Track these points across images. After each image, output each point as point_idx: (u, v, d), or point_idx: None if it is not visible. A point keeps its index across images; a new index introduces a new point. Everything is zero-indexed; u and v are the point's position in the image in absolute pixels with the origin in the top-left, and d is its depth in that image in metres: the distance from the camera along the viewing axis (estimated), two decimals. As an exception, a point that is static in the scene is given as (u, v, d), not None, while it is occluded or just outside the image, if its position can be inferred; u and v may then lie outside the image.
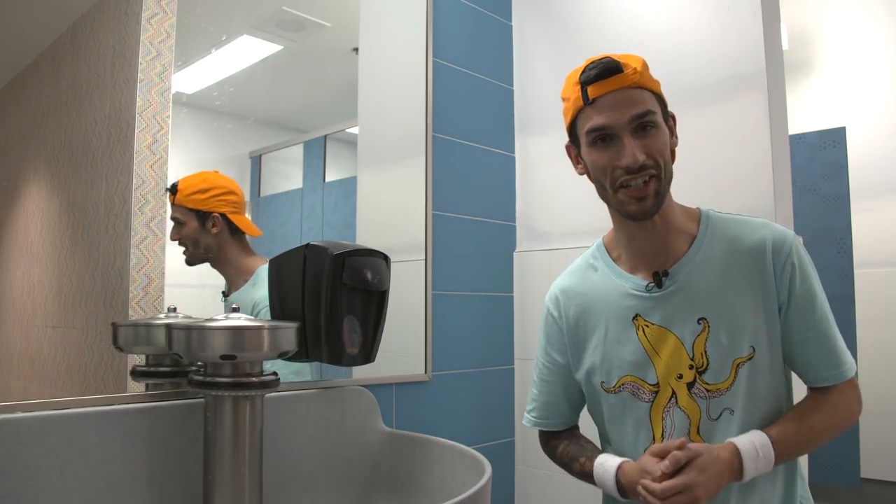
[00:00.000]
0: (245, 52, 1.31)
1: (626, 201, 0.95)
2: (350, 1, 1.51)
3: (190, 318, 1.01)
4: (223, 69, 1.25)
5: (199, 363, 0.99)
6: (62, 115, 1.07)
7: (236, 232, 1.18)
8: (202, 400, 0.95)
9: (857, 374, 0.99)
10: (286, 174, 1.42)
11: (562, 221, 1.72)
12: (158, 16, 1.10)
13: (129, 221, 1.05)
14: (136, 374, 1.03)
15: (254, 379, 0.90)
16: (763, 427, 0.94)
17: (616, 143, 0.93)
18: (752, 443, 0.90)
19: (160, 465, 0.95)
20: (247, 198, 1.25)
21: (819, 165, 2.85)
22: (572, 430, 1.14)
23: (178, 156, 1.11)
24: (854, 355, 1.00)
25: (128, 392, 1.01)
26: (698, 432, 0.97)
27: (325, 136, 1.46)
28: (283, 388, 1.05)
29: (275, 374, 0.93)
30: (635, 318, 1.01)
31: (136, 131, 1.06)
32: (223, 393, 0.89)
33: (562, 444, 1.10)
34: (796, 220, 1.53)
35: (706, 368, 0.96)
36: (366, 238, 1.43)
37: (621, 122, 0.92)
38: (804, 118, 3.10)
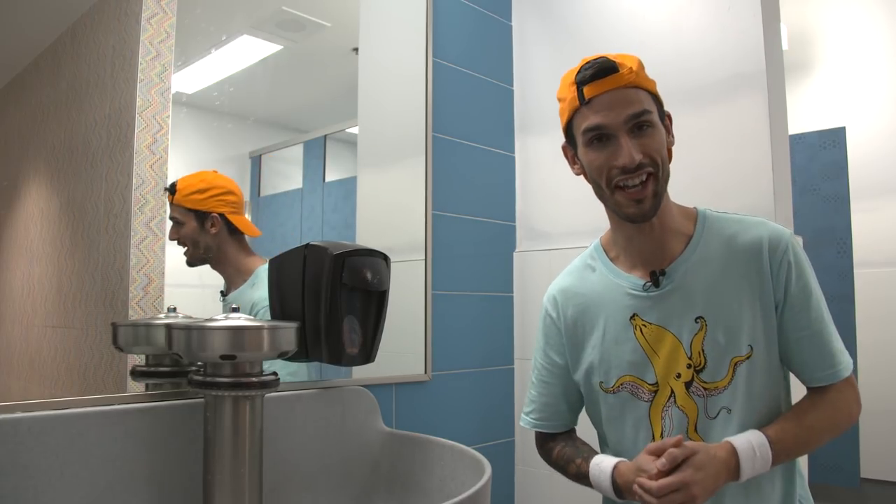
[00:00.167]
0: (245, 52, 1.31)
1: (624, 203, 0.95)
2: (350, 1, 1.51)
3: (190, 318, 1.01)
4: (223, 69, 1.25)
5: (199, 363, 0.99)
6: (62, 115, 1.07)
7: (235, 232, 1.18)
8: (202, 400, 0.95)
9: (856, 374, 0.99)
10: (286, 174, 1.42)
11: (561, 221, 1.72)
12: (158, 16, 1.10)
13: (128, 221, 1.05)
14: (136, 374, 1.03)
15: (254, 379, 0.90)
16: (761, 426, 0.93)
17: (612, 143, 0.94)
18: (750, 442, 0.90)
19: (160, 465, 0.95)
20: (247, 198, 1.25)
21: (819, 165, 2.85)
22: (569, 433, 1.13)
23: (178, 156, 1.11)
24: (854, 355, 1.00)
25: (128, 392, 1.01)
26: (696, 431, 0.97)
27: (325, 136, 1.46)
28: (282, 388, 1.05)
29: (275, 374, 0.93)
30: (633, 317, 1.01)
31: (136, 131, 1.06)
32: (223, 393, 0.89)
33: (558, 446, 1.10)
34: (796, 220, 1.53)
35: (704, 367, 0.96)
36: (366, 238, 1.43)
37: (617, 122, 0.92)
38: (804, 118, 3.10)
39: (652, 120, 0.94)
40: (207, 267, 1.17)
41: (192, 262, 1.15)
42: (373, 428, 1.21)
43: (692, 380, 0.97)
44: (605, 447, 1.08)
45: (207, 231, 1.15)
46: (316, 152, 1.45)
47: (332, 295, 1.03)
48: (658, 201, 0.95)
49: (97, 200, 1.06)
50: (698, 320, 0.97)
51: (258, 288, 1.17)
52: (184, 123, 1.13)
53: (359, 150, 1.51)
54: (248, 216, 1.24)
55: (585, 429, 1.13)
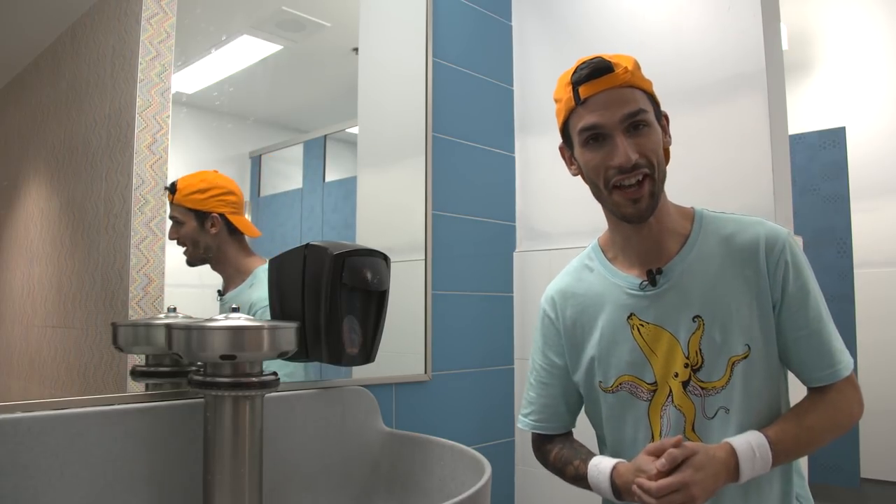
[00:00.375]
0: (245, 52, 1.31)
1: (621, 203, 0.95)
2: (350, 1, 1.51)
3: (190, 318, 1.01)
4: (223, 69, 1.25)
5: (199, 363, 0.99)
6: (62, 115, 1.07)
7: (235, 232, 1.18)
8: (202, 400, 0.95)
9: (856, 374, 0.98)
10: (286, 174, 1.42)
11: (561, 221, 1.72)
12: (158, 16, 1.10)
13: (128, 221, 1.05)
14: (136, 374, 1.03)
15: (254, 379, 0.90)
16: (760, 427, 0.93)
17: (608, 143, 0.94)
18: (749, 443, 0.89)
19: (160, 465, 0.95)
20: (246, 198, 1.24)
21: (819, 165, 2.85)
22: (567, 435, 1.13)
23: (178, 156, 1.11)
24: (854, 355, 1.00)
25: (128, 392, 1.01)
26: (693, 430, 0.97)
27: (325, 136, 1.46)
28: (283, 388, 1.05)
29: (275, 374, 0.93)
30: (630, 317, 1.01)
31: (136, 131, 1.06)
32: (223, 393, 0.89)
33: (555, 447, 1.09)
34: (796, 220, 1.53)
35: (701, 366, 0.96)
36: (366, 238, 1.43)
37: (613, 122, 0.92)
38: (804, 118, 3.10)
39: (647, 119, 0.94)
40: (207, 267, 1.17)
41: (191, 262, 1.14)
42: (373, 428, 1.21)
43: (689, 379, 0.97)
44: (604, 447, 1.08)
45: (207, 231, 1.15)
46: (316, 152, 1.45)
47: (332, 295, 1.03)
48: (655, 201, 0.95)
49: (97, 200, 1.06)
50: (696, 319, 0.97)
51: (257, 288, 1.17)
52: (184, 123, 1.13)
53: (359, 150, 1.51)
54: (247, 216, 1.24)
55: (583, 430, 1.13)
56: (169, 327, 0.90)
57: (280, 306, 1.08)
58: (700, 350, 0.96)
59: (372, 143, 1.54)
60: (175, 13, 1.12)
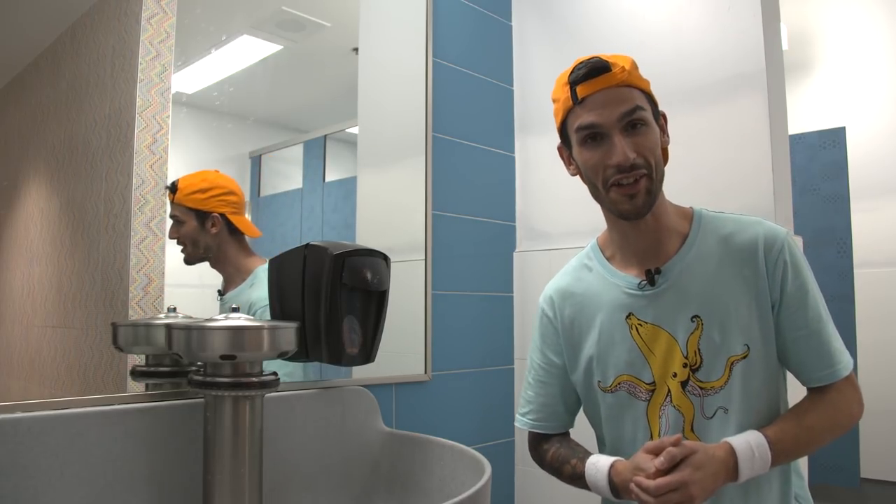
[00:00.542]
0: (245, 52, 1.31)
1: (618, 200, 0.95)
2: (350, 1, 1.51)
3: (190, 318, 1.01)
4: (223, 69, 1.25)
5: (199, 363, 0.99)
6: (62, 115, 1.07)
7: (235, 232, 1.18)
8: (202, 400, 0.95)
9: (856, 374, 0.98)
10: (286, 174, 1.42)
11: (561, 221, 1.72)
12: (158, 16, 1.10)
13: (128, 221, 1.05)
14: (136, 374, 1.03)
15: (254, 379, 0.90)
16: (759, 427, 0.93)
17: (606, 142, 0.94)
18: (748, 443, 0.89)
19: (160, 465, 0.95)
20: (247, 198, 1.24)
21: (819, 165, 2.85)
22: (564, 435, 1.12)
23: (178, 156, 1.11)
24: (854, 355, 1.00)
25: (128, 392, 1.01)
26: (692, 430, 0.96)
27: (325, 136, 1.46)
28: (283, 388, 1.05)
29: (275, 374, 0.93)
30: (628, 316, 1.01)
31: (136, 131, 1.06)
32: (223, 393, 0.89)
33: (552, 447, 1.08)
34: (796, 220, 1.53)
35: (700, 366, 0.96)
36: (366, 238, 1.43)
37: (611, 121, 0.93)
38: (804, 118, 3.10)
39: (645, 118, 0.94)
40: (207, 267, 1.17)
41: (190, 261, 1.14)
42: (373, 428, 1.21)
43: (688, 379, 0.97)
44: (604, 447, 1.07)
45: (208, 231, 1.14)
46: (316, 152, 1.45)
47: (332, 295, 1.03)
48: (652, 199, 0.95)
49: (97, 200, 1.06)
50: (694, 319, 0.97)
51: (257, 288, 1.16)
52: (184, 123, 1.13)
53: (359, 150, 1.51)
54: (247, 216, 1.24)
55: (582, 430, 1.13)
56: (169, 327, 0.90)
57: (280, 306, 1.08)
58: (699, 350, 0.96)
59: (372, 143, 1.54)
60: (175, 13, 1.12)
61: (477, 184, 1.71)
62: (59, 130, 1.06)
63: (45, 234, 1.06)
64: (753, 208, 1.32)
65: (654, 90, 1.00)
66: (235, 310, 0.93)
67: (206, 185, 1.15)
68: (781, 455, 0.91)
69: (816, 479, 2.30)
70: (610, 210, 1.00)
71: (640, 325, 1.00)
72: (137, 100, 1.07)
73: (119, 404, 0.94)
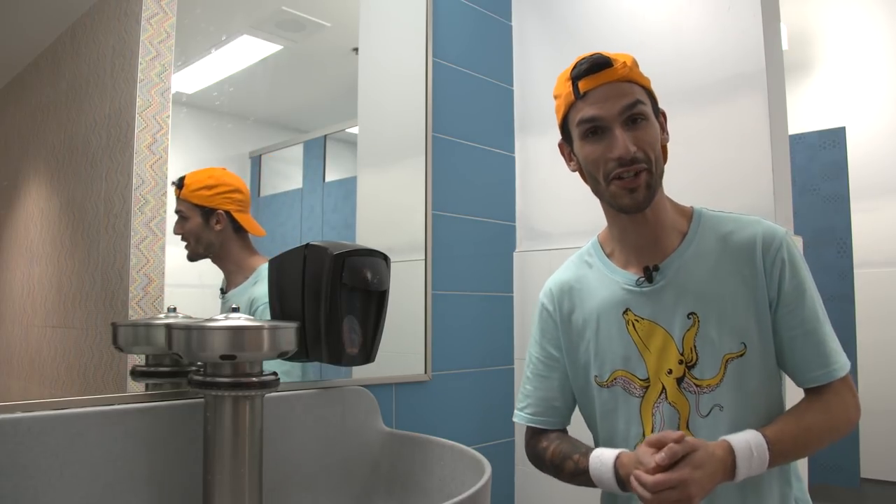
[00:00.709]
0: (245, 52, 1.31)
1: (618, 194, 0.96)
2: (350, 1, 1.51)
3: (190, 318, 1.01)
4: (223, 69, 1.25)
5: (199, 363, 0.99)
6: (62, 115, 1.07)
7: (240, 230, 1.18)
8: (202, 400, 0.95)
9: (856, 374, 0.98)
10: (286, 174, 1.42)
11: (562, 221, 1.72)
12: (158, 16, 1.10)
13: (129, 221, 1.05)
14: (136, 374, 1.03)
15: (254, 379, 0.90)
16: (755, 426, 0.93)
17: (607, 136, 0.95)
18: (747, 442, 0.88)
19: (160, 465, 0.95)
20: (247, 197, 1.25)
21: (819, 165, 2.85)
22: (562, 431, 1.11)
23: (178, 156, 1.11)
24: (854, 355, 1.00)
25: (128, 392, 1.01)
26: (688, 428, 0.96)
27: (325, 136, 1.46)
28: (283, 388, 1.05)
29: (275, 373, 0.93)
30: (625, 312, 1.01)
31: (136, 131, 1.06)
32: (223, 393, 0.89)
33: (552, 444, 1.06)
34: (796, 220, 1.53)
35: (695, 363, 0.96)
36: (366, 238, 1.43)
37: (612, 114, 0.94)
38: (804, 118, 3.10)
39: (645, 112, 0.95)
40: (207, 267, 1.17)
41: (192, 258, 1.15)
42: (373, 428, 1.21)
43: (683, 376, 0.97)
44: (598, 445, 1.07)
45: (212, 228, 1.15)
46: (316, 152, 1.45)
47: (332, 295, 1.03)
48: (651, 193, 0.96)
49: (97, 200, 1.06)
50: (691, 316, 0.97)
51: (260, 286, 1.17)
52: (184, 123, 1.13)
53: (359, 150, 1.51)
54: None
55: (577, 432, 1.12)
56: (169, 327, 0.90)
57: (280, 306, 1.08)
58: (694, 347, 0.96)
59: (372, 143, 1.54)
60: (175, 13, 1.12)
61: (477, 184, 1.71)
62: (59, 130, 1.06)
63: (45, 234, 1.06)
64: (753, 208, 1.32)
65: (654, 90, 1.01)
66: (235, 310, 0.93)
67: (213, 181, 1.15)
68: (780, 456, 0.90)
69: (816, 479, 2.30)
70: (610, 204, 1.00)
71: (637, 320, 1.00)
72: (137, 100, 1.07)
73: (119, 404, 0.94)
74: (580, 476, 0.99)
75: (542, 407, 1.10)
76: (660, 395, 0.98)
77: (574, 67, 0.97)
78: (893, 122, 3.03)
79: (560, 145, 1.06)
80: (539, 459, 1.09)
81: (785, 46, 2.68)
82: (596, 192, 1.01)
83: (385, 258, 1.12)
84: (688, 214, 1.04)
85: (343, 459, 1.16)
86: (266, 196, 1.34)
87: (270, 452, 1.04)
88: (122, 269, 1.04)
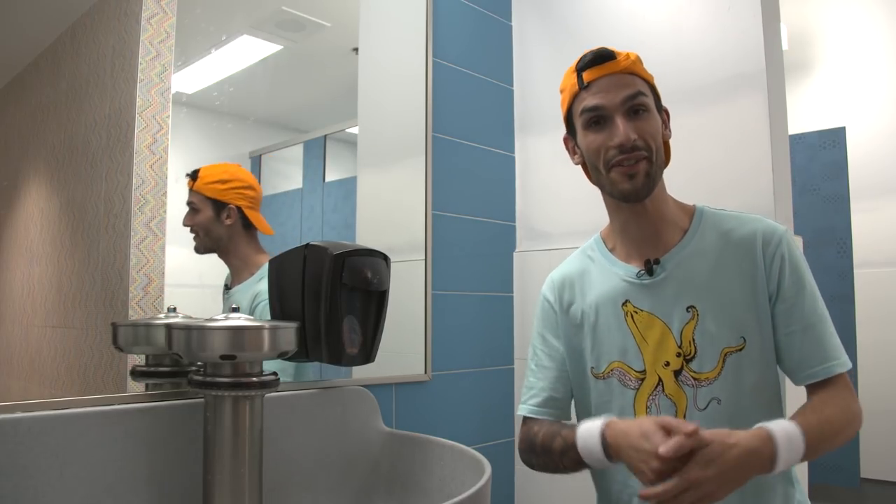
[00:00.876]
0: (245, 52, 1.31)
1: (618, 180, 0.97)
2: (350, 1, 1.51)
3: (190, 318, 1.01)
4: (223, 69, 1.25)
5: (199, 363, 0.99)
6: (62, 115, 1.07)
7: (249, 227, 1.19)
8: (202, 400, 0.95)
9: (856, 374, 0.98)
10: (286, 174, 1.42)
11: (562, 221, 1.72)
12: (158, 16, 1.10)
13: (129, 221, 1.05)
14: (136, 374, 1.03)
15: (254, 379, 0.90)
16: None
17: (609, 125, 0.97)
18: (785, 430, 0.83)
19: (160, 465, 0.94)
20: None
21: (819, 165, 2.85)
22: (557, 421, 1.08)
23: (178, 156, 1.11)
24: (854, 355, 0.99)
25: (128, 392, 1.01)
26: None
27: (325, 136, 1.46)
28: (283, 388, 1.05)
29: (275, 373, 0.93)
30: (625, 303, 1.02)
31: (136, 131, 1.06)
32: (223, 393, 0.89)
33: (543, 427, 1.04)
34: (796, 220, 1.53)
35: (694, 356, 0.96)
36: (366, 238, 1.43)
37: (614, 103, 0.96)
38: (804, 118, 3.10)
39: (647, 103, 0.97)
40: (207, 267, 1.18)
41: (200, 250, 1.16)
42: (373, 428, 1.21)
43: (681, 368, 0.97)
44: None
45: (222, 221, 1.16)
46: (316, 152, 1.45)
47: (332, 295, 1.03)
48: (650, 182, 0.97)
49: (97, 200, 1.06)
50: (690, 309, 0.98)
51: (265, 282, 1.17)
52: (184, 123, 1.13)
53: (359, 150, 1.51)
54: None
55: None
56: (169, 327, 0.90)
57: (280, 306, 1.08)
58: (693, 340, 0.97)
59: (372, 143, 1.54)
60: (175, 13, 1.12)
61: (477, 184, 1.71)
62: (59, 130, 1.06)
63: (45, 234, 1.06)
64: (753, 208, 1.32)
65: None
66: (235, 309, 0.93)
67: (227, 176, 1.17)
68: (810, 449, 0.85)
69: (816, 479, 2.30)
70: (610, 193, 1.01)
71: (636, 312, 1.01)
72: (137, 100, 1.07)
73: (119, 404, 0.94)
74: (569, 452, 0.95)
75: (545, 397, 1.08)
76: (655, 387, 0.98)
77: (579, 61, 1.00)
78: (893, 122, 3.03)
79: (565, 139, 1.08)
80: (531, 446, 1.05)
81: (785, 46, 2.68)
82: (598, 182, 1.03)
83: (385, 258, 1.12)
84: (690, 212, 1.06)
85: (343, 459, 1.16)
86: (266, 196, 1.34)
87: (270, 452, 1.04)
88: (122, 269, 1.04)
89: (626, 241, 1.05)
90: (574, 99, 1.01)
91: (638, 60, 1.00)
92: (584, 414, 1.09)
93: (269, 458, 1.02)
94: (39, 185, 1.07)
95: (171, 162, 1.10)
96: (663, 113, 1.03)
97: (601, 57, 0.97)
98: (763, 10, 1.39)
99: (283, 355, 0.94)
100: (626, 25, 1.61)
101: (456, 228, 1.63)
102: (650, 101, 0.98)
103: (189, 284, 1.15)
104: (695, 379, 0.96)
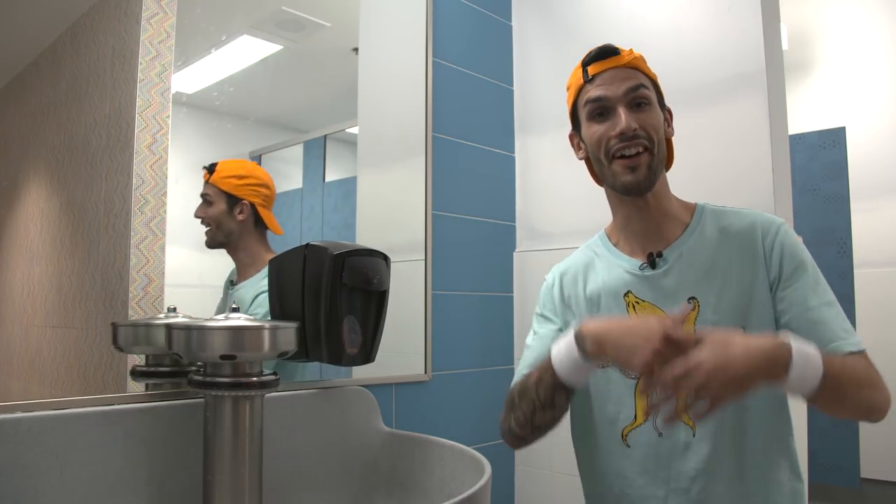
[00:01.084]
0: (245, 52, 1.31)
1: (620, 171, 0.99)
2: (350, 1, 1.51)
3: (190, 318, 1.01)
4: (223, 69, 1.25)
5: (199, 363, 0.98)
6: (62, 115, 1.07)
7: (260, 224, 1.20)
8: (202, 400, 0.95)
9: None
10: (286, 174, 1.42)
11: (562, 221, 1.71)
12: (158, 16, 1.10)
13: (128, 221, 1.05)
14: (136, 374, 1.03)
15: (254, 379, 0.90)
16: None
17: (612, 116, 0.99)
18: (803, 345, 0.81)
19: (160, 465, 0.94)
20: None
21: (819, 165, 2.86)
22: None
23: (178, 156, 1.11)
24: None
25: (128, 392, 1.01)
26: (685, 411, 0.96)
27: (325, 136, 1.46)
28: (283, 388, 1.05)
29: (275, 373, 0.93)
30: (627, 294, 1.03)
31: (136, 131, 1.06)
32: (223, 393, 0.89)
33: (520, 378, 1.02)
34: (796, 220, 1.53)
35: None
36: (366, 238, 1.43)
37: (617, 95, 0.98)
38: (804, 118, 3.10)
39: (649, 97, 1.00)
40: (207, 267, 1.18)
41: (211, 244, 1.17)
42: (373, 428, 1.21)
43: None
44: (586, 427, 1.06)
45: (234, 216, 1.17)
46: (316, 152, 1.45)
47: (332, 295, 1.03)
48: (652, 175, 0.98)
49: (97, 200, 1.06)
50: (691, 301, 0.99)
51: None
52: (184, 123, 1.13)
53: (359, 150, 1.51)
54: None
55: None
56: (169, 327, 0.90)
57: (280, 306, 1.08)
58: (695, 331, 0.96)
59: (372, 143, 1.54)
60: (175, 13, 1.12)
61: (477, 184, 1.71)
62: (59, 130, 1.06)
63: (45, 234, 1.06)
64: (753, 208, 1.32)
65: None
66: (235, 309, 0.93)
67: (244, 172, 1.19)
68: (828, 378, 0.81)
69: (816, 479, 2.30)
70: (612, 186, 1.02)
71: (638, 302, 1.02)
72: (137, 100, 1.07)
73: (119, 404, 0.94)
74: (544, 376, 0.93)
75: (534, 363, 1.05)
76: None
77: (586, 55, 1.03)
78: (893, 122, 3.03)
79: (570, 135, 1.09)
80: (510, 402, 1.02)
81: (785, 46, 2.68)
82: (600, 174, 1.04)
83: (385, 258, 1.12)
84: (691, 208, 1.07)
85: (343, 459, 1.16)
86: (266, 196, 1.34)
87: (270, 452, 1.04)
88: (122, 269, 1.04)
89: (629, 235, 1.06)
90: (579, 92, 1.03)
91: (642, 58, 1.03)
92: (582, 403, 1.08)
93: (269, 458, 1.02)
94: (39, 185, 1.07)
95: (171, 162, 1.10)
96: (666, 111, 1.05)
97: (606, 52, 1.01)
98: (763, 10, 1.39)
99: (283, 355, 0.94)
100: (626, 25, 1.61)
101: (456, 228, 1.63)
102: (652, 95, 1.01)
103: (189, 284, 1.15)
104: None
